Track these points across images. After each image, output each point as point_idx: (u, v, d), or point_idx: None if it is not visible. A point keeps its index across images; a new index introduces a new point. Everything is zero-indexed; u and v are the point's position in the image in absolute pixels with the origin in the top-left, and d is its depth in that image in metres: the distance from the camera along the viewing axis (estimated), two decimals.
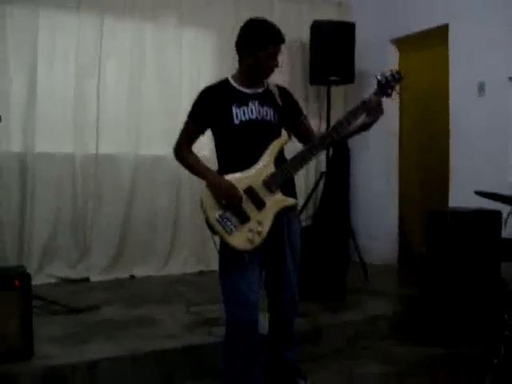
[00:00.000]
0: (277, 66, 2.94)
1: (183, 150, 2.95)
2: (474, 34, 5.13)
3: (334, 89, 6.14)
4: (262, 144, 2.83)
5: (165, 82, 5.76)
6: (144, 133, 5.65)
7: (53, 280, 5.20)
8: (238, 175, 2.79)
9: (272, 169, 2.80)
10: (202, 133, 2.97)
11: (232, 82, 2.95)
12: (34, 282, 3.33)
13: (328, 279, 4.64)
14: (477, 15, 5.10)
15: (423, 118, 5.96)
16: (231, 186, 2.74)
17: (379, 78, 2.92)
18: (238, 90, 2.91)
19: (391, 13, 6.08)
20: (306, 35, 6.19)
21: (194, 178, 5.83)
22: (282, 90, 3.06)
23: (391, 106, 5.98)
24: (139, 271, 5.58)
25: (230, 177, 2.78)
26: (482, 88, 5.08)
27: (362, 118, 2.90)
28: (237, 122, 2.84)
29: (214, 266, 5.78)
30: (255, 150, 2.82)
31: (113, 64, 5.52)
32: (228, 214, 2.73)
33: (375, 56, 6.19)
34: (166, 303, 4.51)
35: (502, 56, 4.88)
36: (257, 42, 2.83)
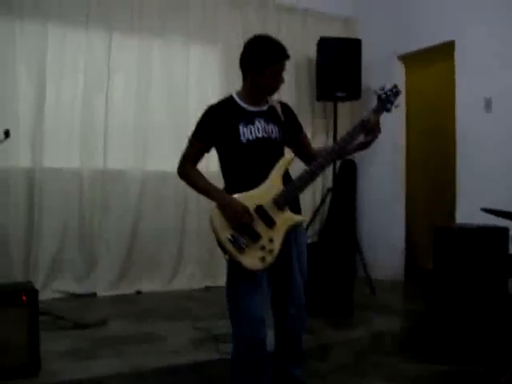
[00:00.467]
0: (282, 82, 2.95)
1: (188, 168, 2.92)
2: (480, 50, 5.15)
3: (340, 105, 6.17)
4: (269, 162, 2.83)
5: (172, 97, 5.79)
6: (151, 148, 5.68)
7: (59, 295, 5.21)
8: (247, 194, 2.77)
9: (280, 187, 2.80)
10: (207, 151, 2.95)
11: (237, 99, 2.93)
12: (40, 297, 3.33)
13: (335, 295, 4.62)
14: (483, 31, 5.12)
15: (430, 134, 5.96)
16: (243, 207, 2.72)
17: (379, 93, 2.94)
18: (244, 108, 2.90)
19: (397, 29, 6.12)
20: (312, 52, 6.23)
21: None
22: (283, 105, 3.06)
23: (398, 121, 6.02)
24: (146, 286, 5.59)
25: (238, 196, 2.76)
26: (488, 104, 5.08)
27: (361, 137, 2.92)
28: (244, 140, 2.83)
29: (221, 281, 5.79)
30: (262, 168, 2.81)
31: (120, 80, 5.57)
32: (239, 234, 2.71)
33: (382, 72, 6.22)
34: (172, 319, 4.50)
35: (509, 72, 4.89)
36: (261, 59, 2.82)
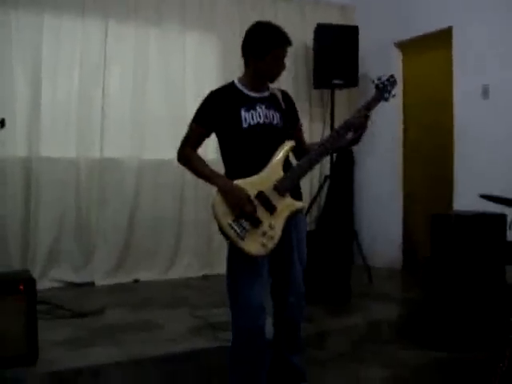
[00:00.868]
0: (283, 69, 2.96)
1: (188, 153, 2.92)
2: (477, 36, 5.14)
3: (337, 92, 6.15)
4: (270, 148, 2.84)
5: (169, 86, 5.77)
6: (148, 137, 5.66)
7: (57, 284, 5.21)
8: (248, 180, 2.77)
9: (281, 173, 2.81)
10: (208, 136, 2.96)
11: (239, 85, 2.94)
12: (38, 287, 3.33)
13: (332, 283, 4.63)
14: (480, 18, 5.11)
15: (427, 121, 5.95)
16: (245, 194, 2.73)
17: (376, 82, 2.98)
18: (246, 94, 2.91)
19: (395, 16, 6.09)
20: (309, 39, 6.21)
21: (197, 182, 5.82)
22: (284, 94, 3.07)
23: (396, 109, 6.00)
24: (143, 275, 5.59)
25: (240, 181, 2.76)
26: (486, 91, 5.07)
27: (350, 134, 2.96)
28: (245, 125, 2.84)
29: (218, 269, 5.84)
30: (263, 153, 2.82)
31: (117, 69, 5.54)
32: (240, 220, 2.71)
33: (379, 59, 6.20)
34: (170, 307, 4.51)
35: (507, 58, 4.87)
36: (263, 45, 2.84)
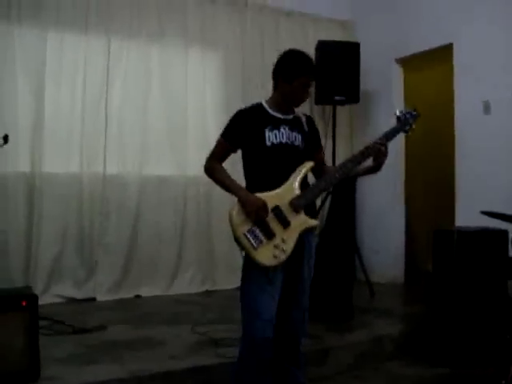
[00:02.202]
0: (308, 97, 3.11)
1: (214, 165, 3.05)
2: (478, 53, 5.16)
3: (339, 108, 6.17)
4: (290, 166, 2.96)
5: (171, 102, 5.79)
6: (150, 153, 5.66)
7: (59, 300, 5.20)
8: (266, 194, 2.88)
9: (298, 191, 2.92)
10: (234, 151, 3.09)
11: (266, 106, 3.07)
12: (40, 302, 3.31)
13: (334, 299, 4.61)
14: (481, 34, 5.14)
15: (429, 136, 5.96)
16: (262, 201, 2.84)
17: (398, 114, 3.11)
18: (271, 115, 3.04)
19: (396, 32, 6.12)
20: (310, 55, 6.20)
21: (199, 198, 5.84)
22: (308, 118, 3.20)
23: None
24: (145, 291, 5.58)
25: (258, 195, 2.88)
26: (487, 106, 5.09)
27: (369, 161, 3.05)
28: (268, 144, 2.96)
29: (220, 285, 5.83)
30: (283, 171, 2.94)
31: (119, 84, 5.57)
32: (255, 231, 2.82)
33: (380, 75, 6.23)
34: (172, 324, 4.50)
35: (508, 74, 4.89)
36: (294, 70, 2.98)
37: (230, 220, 2.86)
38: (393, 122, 3.12)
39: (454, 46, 5.42)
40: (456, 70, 5.42)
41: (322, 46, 6.02)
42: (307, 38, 6.46)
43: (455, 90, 5.44)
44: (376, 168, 3.06)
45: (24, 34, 5.15)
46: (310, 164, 3.01)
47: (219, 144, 3.06)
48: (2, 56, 5.08)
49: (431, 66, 5.92)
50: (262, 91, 5.76)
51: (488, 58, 5.08)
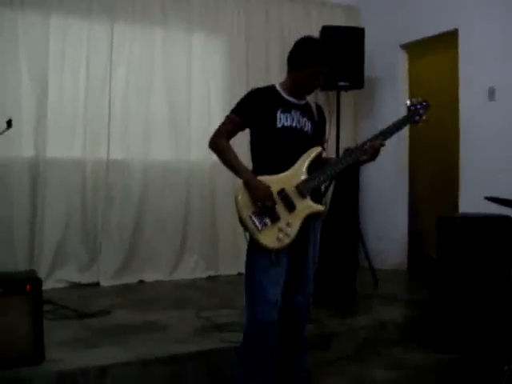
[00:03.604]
0: (319, 86, 3.11)
1: (221, 140, 3.00)
2: (484, 38, 5.13)
3: (343, 94, 6.15)
4: (298, 150, 2.96)
5: (174, 87, 5.77)
6: (154, 138, 5.66)
7: (63, 284, 5.22)
8: (273, 177, 2.89)
9: (305, 175, 2.93)
10: (242, 129, 3.06)
11: (279, 89, 3.07)
12: (44, 287, 3.33)
13: (337, 284, 4.63)
14: (487, 20, 5.10)
15: (433, 123, 5.91)
16: (268, 190, 2.83)
17: (409, 104, 3.17)
18: (284, 98, 3.04)
19: (400, 18, 6.08)
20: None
21: (203, 183, 5.81)
22: (318, 108, 3.21)
23: (401, 111, 5.99)
24: (149, 276, 5.60)
25: (265, 178, 2.88)
26: (492, 93, 5.06)
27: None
28: (279, 125, 2.97)
29: (223, 271, 5.84)
30: (291, 154, 2.94)
31: (123, 70, 5.56)
32: (260, 213, 2.83)
33: (384, 61, 6.20)
34: (175, 308, 4.51)
35: None
36: (306, 58, 2.97)
37: (236, 202, 2.86)
38: (399, 109, 3.13)
39: (460, 32, 5.38)
40: (461, 56, 5.39)
41: (327, 32, 5.97)
42: (311, 23, 6.40)
43: (460, 75, 5.41)
44: (367, 161, 3.11)
45: (27, 20, 5.14)
46: (318, 149, 3.01)
47: (230, 120, 3.02)
48: (5, 42, 5.06)
49: (436, 52, 5.88)
50: (266, 76, 5.76)
51: (493, 43, 5.04)
